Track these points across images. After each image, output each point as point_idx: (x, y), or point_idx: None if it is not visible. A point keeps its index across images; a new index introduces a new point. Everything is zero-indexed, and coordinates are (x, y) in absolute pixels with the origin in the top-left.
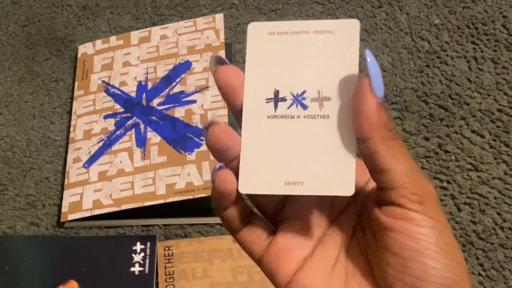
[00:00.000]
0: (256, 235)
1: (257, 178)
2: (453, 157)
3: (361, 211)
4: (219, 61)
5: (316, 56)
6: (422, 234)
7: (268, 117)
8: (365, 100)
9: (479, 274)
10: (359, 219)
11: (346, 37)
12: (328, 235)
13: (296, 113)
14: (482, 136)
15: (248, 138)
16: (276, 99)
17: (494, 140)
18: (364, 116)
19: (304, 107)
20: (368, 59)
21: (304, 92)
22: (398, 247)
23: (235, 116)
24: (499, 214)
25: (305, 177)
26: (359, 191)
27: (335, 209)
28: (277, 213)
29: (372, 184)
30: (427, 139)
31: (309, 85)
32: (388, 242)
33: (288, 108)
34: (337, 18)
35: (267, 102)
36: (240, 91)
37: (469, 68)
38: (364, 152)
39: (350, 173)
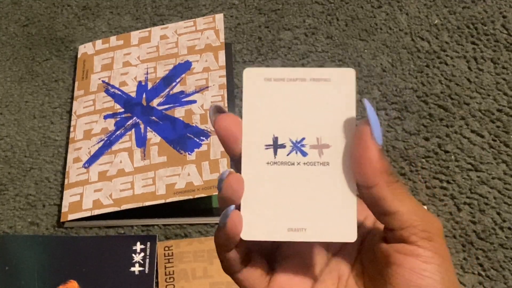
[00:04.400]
0: (256, 275)
1: (259, 225)
2: (453, 157)
3: (360, 247)
4: (218, 110)
5: (314, 104)
6: (429, 271)
7: (267, 163)
8: (367, 147)
9: (479, 274)
10: (358, 255)
11: (343, 85)
12: (326, 272)
13: (296, 160)
14: (482, 136)
15: (248, 185)
16: (275, 145)
17: (494, 140)
18: (368, 164)
19: (304, 154)
20: (367, 108)
21: (303, 139)
22: (404, 283)
23: (234, 162)
24: (498, 214)
25: (308, 224)
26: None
27: (332, 246)
28: (275, 251)
29: (370, 221)
30: (427, 139)
31: (308, 132)
32: (395, 278)
33: (288, 155)
34: (337, 19)
35: (266, 149)
36: (239, 138)
37: (469, 68)
38: (368, 198)
39: (352, 219)
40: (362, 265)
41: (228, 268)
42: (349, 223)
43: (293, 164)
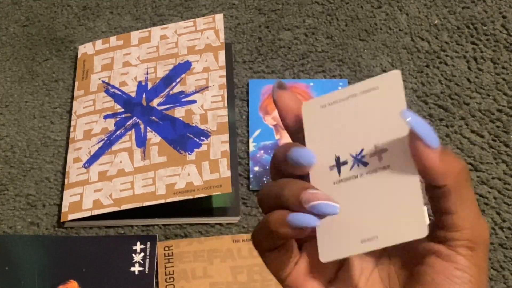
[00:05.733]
0: (285, 257)
1: (335, 245)
2: None
3: None
4: (280, 86)
5: (367, 114)
6: (459, 278)
7: (334, 183)
8: (425, 158)
9: None
10: (386, 248)
11: (391, 89)
12: (353, 259)
13: (359, 172)
14: (482, 136)
15: None
16: (338, 164)
17: (494, 140)
18: (431, 172)
19: (365, 164)
20: (410, 120)
21: (362, 150)
22: (432, 285)
23: (290, 136)
24: (498, 214)
25: (379, 231)
26: None
27: None
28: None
29: None
30: None
31: (366, 143)
32: (425, 279)
33: (351, 169)
34: (337, 19)
35: (330, 170)
36: (297, 112)
37: (469, 68)
38: (432, 195)
39: (421, 215)
40: (389, 259)
41: (258, 245)
42: (418, 219)
43: (357, 176)
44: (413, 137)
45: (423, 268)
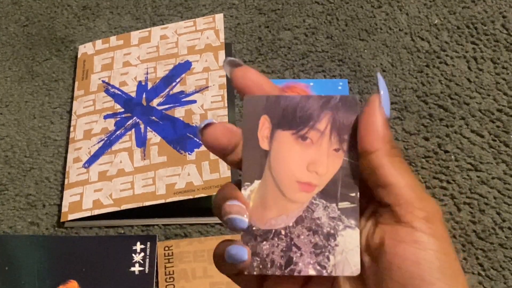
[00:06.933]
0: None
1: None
2: (452, 157)
3: None
4: (232, 64)
5: None
6: (426, 260)
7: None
8: (374, 113)
9: (479, 274)
10: None
11: None
12: None
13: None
14: (482, 136)
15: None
16: None
17: (494, 140)
18: (371, 129)
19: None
20: (379, 81)
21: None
22: (400, 274)
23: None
24: (498, 214)
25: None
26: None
27: None
28: None
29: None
30: (427, 139)
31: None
32: (390, 269)
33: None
34: (337, 19)
35: None
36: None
37: (469, 68)
38: (368, 167)
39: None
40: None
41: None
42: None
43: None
44: (374, 95)
45: (388, 259)
